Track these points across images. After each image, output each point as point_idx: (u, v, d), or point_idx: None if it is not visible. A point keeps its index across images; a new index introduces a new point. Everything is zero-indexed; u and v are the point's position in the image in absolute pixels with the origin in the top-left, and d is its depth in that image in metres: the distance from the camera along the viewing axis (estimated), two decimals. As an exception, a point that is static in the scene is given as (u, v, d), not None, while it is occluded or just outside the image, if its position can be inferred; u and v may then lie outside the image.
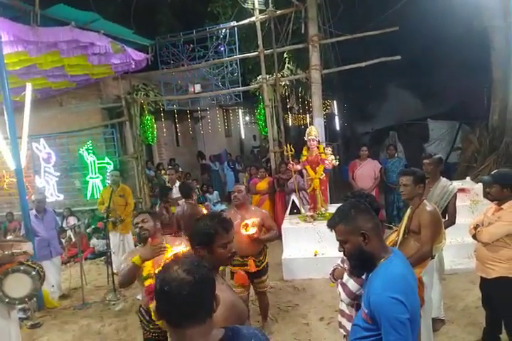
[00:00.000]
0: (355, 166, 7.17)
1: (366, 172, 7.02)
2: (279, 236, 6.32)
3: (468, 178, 6.69)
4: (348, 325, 2.33)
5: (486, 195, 4.63)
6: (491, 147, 8.39)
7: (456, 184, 4.02)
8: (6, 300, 3.49)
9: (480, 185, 5.79)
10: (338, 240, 1.81)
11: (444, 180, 3.90)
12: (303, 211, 6.53)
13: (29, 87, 6.18)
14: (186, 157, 12.89)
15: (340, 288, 2.32)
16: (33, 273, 3.67)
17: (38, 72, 6.21)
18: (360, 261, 1.78)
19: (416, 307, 1.71)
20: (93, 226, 7.74)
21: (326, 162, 6.05)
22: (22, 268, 3.62)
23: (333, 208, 6.47)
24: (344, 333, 2.43)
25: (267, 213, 4.13)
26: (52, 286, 5.48)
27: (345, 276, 2.31)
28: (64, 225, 7.73)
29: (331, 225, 1.83)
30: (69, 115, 8.53)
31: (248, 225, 3.76)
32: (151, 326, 2.96)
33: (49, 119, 8.35)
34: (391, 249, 1.83)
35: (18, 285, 3.57)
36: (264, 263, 3.98)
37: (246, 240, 3.74)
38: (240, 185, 4.15)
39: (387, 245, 1.82)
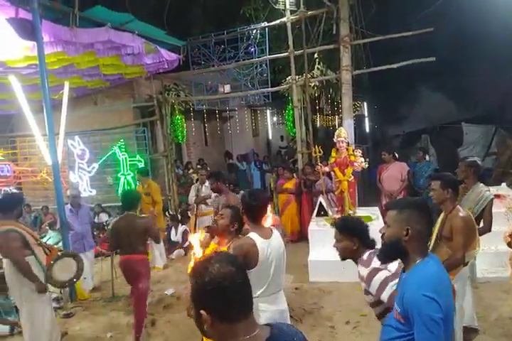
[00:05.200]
0: (383, 169, 7.05)
1: (393, 175, 6.87)
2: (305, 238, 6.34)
3: (503, 184, 6.44)
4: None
5: (522, 201, 4.47)
6: (529, 152, 8.08)
7: (492, 190, 3.88)
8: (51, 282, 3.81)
9: (516, 191, 5.59)
10: (384, 222, 1.91)
11: (480, 186, 3.71)
12: (330, 213, 6.46)
13: (67, 85, 6.41)
14: (214, 156, 13.02)
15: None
16: (78, 257, 4.06)
17: (74, 71, 6.41)
18: (390, 249, 1.84)
19: (450, 308, 1.70)
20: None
21: (355, 164, 5.96)
22: (70, 252, 4.09)
23: (361, 211, 6.38)
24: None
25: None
26: (85, 278, 5.65)
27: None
28: (96, 221, 7.97)
29: (387, 206, 1.95)
30: (103, 113, 8.80)
31: None
32: None
33: (84, 117, 8.63)
34: (429, 253, 1.84)
35: (64, 270, 3.90)
36: None
37: None
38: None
39: (427, 251, 1.85)
